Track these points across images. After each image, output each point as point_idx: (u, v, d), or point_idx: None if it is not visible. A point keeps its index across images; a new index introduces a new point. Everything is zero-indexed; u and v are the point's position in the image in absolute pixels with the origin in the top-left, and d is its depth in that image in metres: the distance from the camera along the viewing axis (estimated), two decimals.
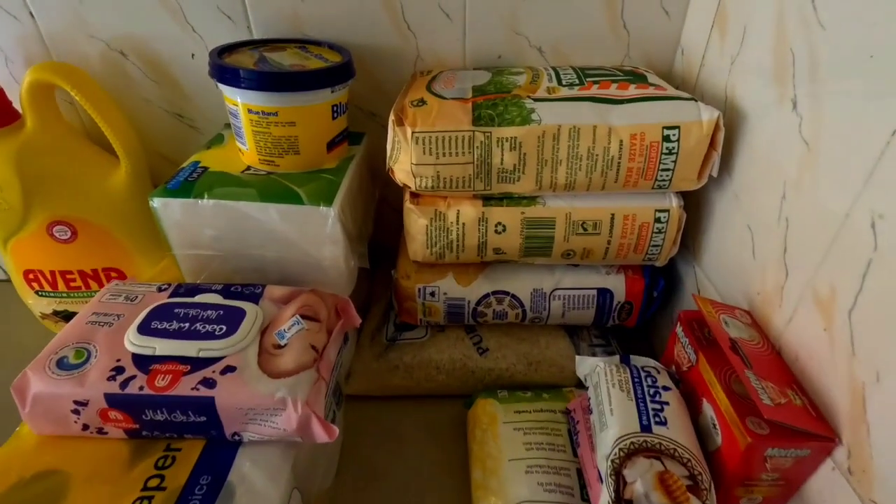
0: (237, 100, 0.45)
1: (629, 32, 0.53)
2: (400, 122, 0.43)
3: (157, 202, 0.45)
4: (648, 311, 0.53)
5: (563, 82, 0.46)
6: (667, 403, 0.38)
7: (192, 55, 0.55)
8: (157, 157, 0.62)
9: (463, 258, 0.49)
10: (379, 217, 0.62)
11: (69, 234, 0.53)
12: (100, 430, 0.37)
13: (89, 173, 0.54)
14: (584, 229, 0.46)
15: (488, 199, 0.47)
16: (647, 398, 0.38)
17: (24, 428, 0.37)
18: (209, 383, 0.35)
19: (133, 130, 0.55)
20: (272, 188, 0.46)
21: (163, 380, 0.36)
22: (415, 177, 0.45)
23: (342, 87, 0.47)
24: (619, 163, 0.43)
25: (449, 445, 0.50)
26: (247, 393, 0.35)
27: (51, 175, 0.52)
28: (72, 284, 0.57)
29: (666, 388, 0.39)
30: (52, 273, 0.56)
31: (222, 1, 0.52)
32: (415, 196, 0.47)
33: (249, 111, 0.45)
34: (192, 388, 0.35)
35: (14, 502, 0.33)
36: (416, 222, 0.47)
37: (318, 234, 0.46)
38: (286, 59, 0.47)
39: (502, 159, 0.43)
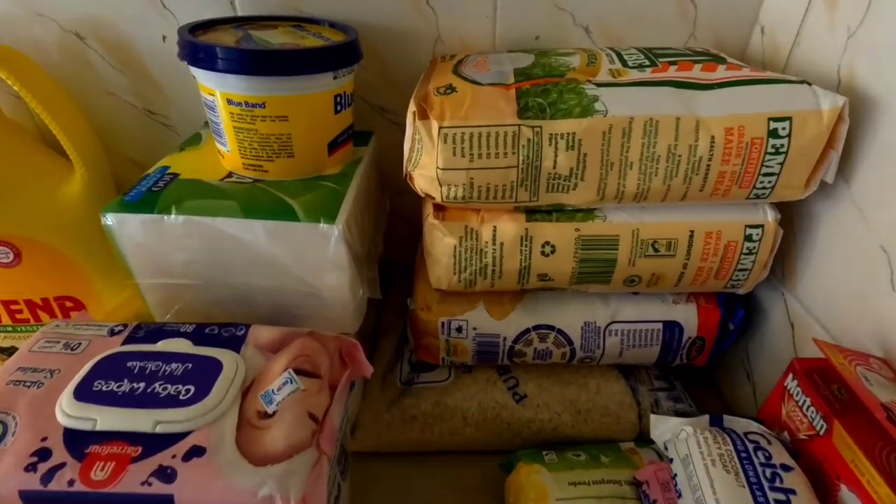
0: (214, 88, 0.35)
1: (696, 7, 0.43)
2: (423, 114, 0.34)
3: (111, 219, 0.35)
4: (722, 346, 0.43)
5: (630, 63, 0.36)
6: (793, 492, 0.28)
7: (164, 38, 0.45)
8: (126, 161, 0.52)
9: (499, 286, 0.39)
10: (388, 229, 0.52)
11: (12, 256, 0.43)
12: None
13: (37, 182, 0.44)
14: (655, 250, 0.37)
15: (533, 213, 0.37)
16: (764, 483, 0.28)
17: None
18: (167, 474, 0.25)
19: (91, 129, 0.45)
20: (259, 200, 0.36)
21: (102, 470, 0.26)
22: (441, 185, 0.35)
23: (347, 72, 0.38)
24: (708, 165, 0.33)
25: None
26: (220, 488, 0.25)
27: None
28: (18, 317, 0.47)
29: (786, 468, 0.29)
30: None
31: None
32: (439, 209, 0.38)
33: (229, 102, 0.35)
34: (143, 483, 0.25)
35: None
36: (441, 242, 0.37)
37: (318, 257, 0.36)
38: (276, 38, 0.38)
39: (555, 162, 0.33)
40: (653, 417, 0.35)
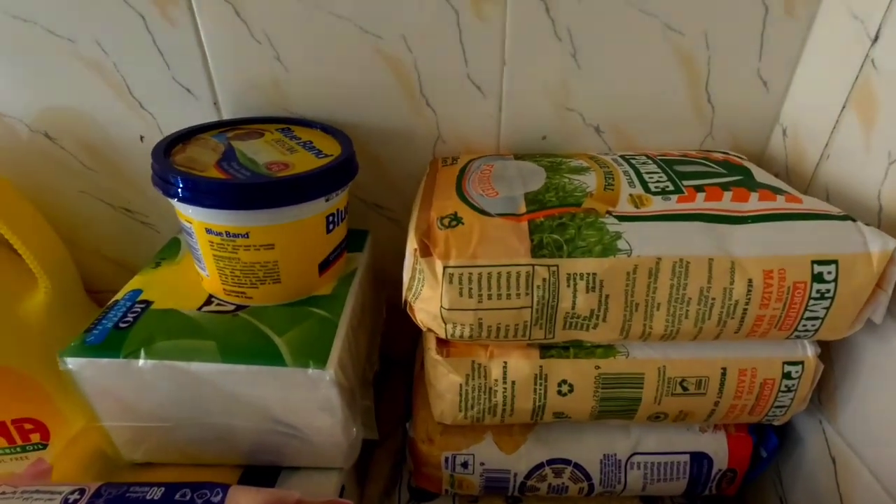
0: (191, 216, 0.32)
1: (714, 108, 0.41)
2: (426, 250, 0.30)
3: (71, 364, 0.31)
4: (753, 475, 0.39)
5: (652, 188, 0.33)
6: None
7: (141, 138, 0.42)
8: (103, 261, 0.48)
9: (510, 422, 0.35)
10: (386, 325, 0.48)
11: None
12: None
13: None
14: (684, 389, 0.33)
15: (548, 348, 0.33)
16: None
17: None
18: None
19: (56, 237, 0.41)
20: (240, 337, 0.32)
21: None
22: (446, 323, 0.31)
23: (341, 191, 0.34)
24: (745, 309, 0.29)
25: None
26: None
27: None
28: None
29: None
30: None
31: (179, 69, 0.39)
32: (443, 342, 0.34)
33: (209, 231, 0.32)
34: None
35: None
36: (446, 378, 0.34)
37: (307, 400, 0.32)
38: (262, 154, 0.34)
39: (574, 303, 0.30)
40: None
